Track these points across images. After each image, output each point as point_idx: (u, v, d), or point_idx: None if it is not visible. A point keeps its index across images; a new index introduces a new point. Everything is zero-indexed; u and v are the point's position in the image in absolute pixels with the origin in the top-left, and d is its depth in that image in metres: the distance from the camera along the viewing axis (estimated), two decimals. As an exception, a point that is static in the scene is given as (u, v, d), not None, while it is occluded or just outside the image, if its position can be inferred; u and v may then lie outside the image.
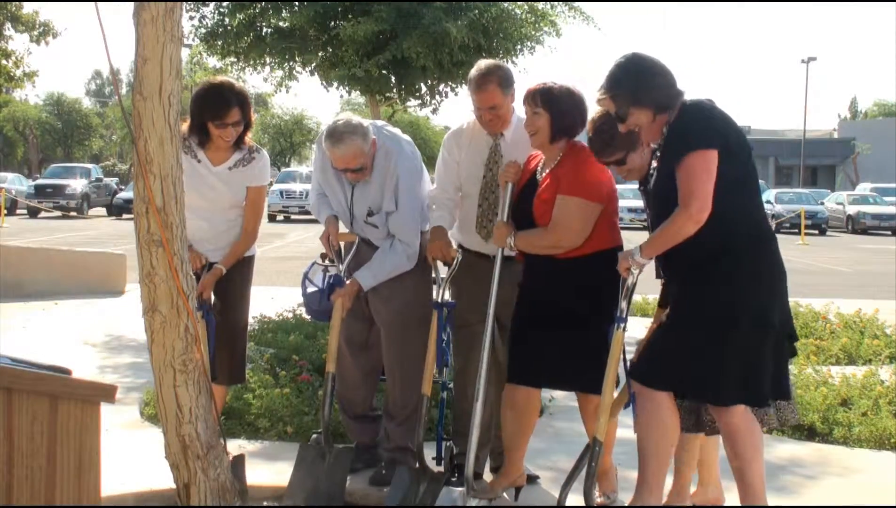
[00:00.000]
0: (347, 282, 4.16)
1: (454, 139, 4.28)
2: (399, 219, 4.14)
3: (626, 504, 3.78)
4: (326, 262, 4.29)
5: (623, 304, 3.50)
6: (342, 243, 4.32)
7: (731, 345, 3.30)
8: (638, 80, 3.38)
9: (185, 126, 4.19)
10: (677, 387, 3.43)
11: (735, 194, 3.30)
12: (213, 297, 4.29)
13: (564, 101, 3.80)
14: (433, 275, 4.20)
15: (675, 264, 3.44)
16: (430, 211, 4.26)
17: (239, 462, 3.85)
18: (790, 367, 3.75)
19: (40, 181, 31.87)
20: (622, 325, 3.50)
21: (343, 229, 4.36)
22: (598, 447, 3.51)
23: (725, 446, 3.45)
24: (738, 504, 3.50)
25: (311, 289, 4.27)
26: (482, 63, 4.15)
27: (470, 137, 4.23)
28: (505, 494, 3.98)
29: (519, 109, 4.13)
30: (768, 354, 3.35)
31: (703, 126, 3.30)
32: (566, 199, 3.71)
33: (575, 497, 3.80)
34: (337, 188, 4.27)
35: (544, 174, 3.87)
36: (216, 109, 4.12)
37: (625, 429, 3.91)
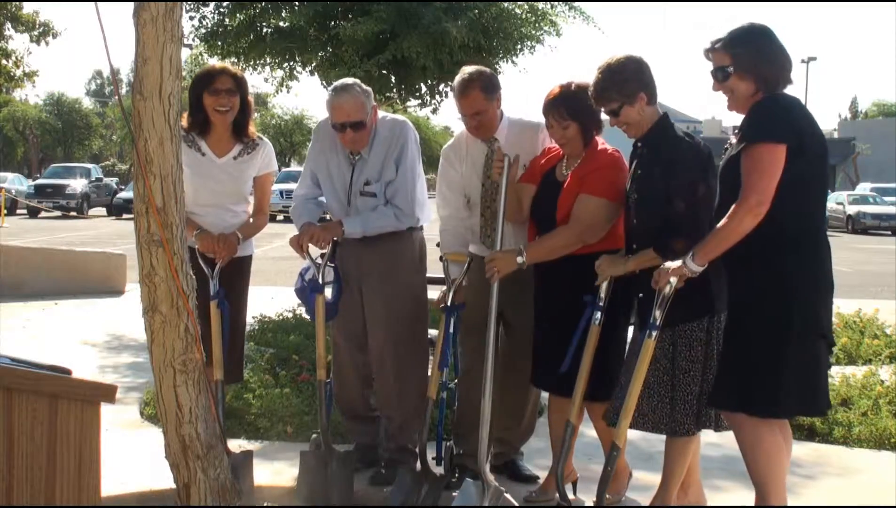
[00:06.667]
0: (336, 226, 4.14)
1: (452, 151, 4.31)
2: (396, 185, 4.15)
3: (634, 505, 3.80)
4: (324, 261, 4.29)
5: (657, 313, 3.28)
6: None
7: (787, 351, 3.08)
8: (760, 48, 3.21)
9: (185, 120, 4.19)
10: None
11: (798, 192, 3.11)
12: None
13: (587, 101, 3.65)
14: (446, 277, 4.15)
15: (725, 260, 3.19)
16: (442, 234, 4.30)
17: (246, 459, 3.89)
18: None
19: (40, 181, 31.83)
20: (654, 333, 3.30)
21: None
22: (615, 451, 3.46)
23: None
24: (722, 504, 3.48)
25: (301, 285, 4.29)
26: (466, 69, 4.13)
27: (466, 147, 4.24)
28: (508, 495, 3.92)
29: (512, 108, 4.11)
30: (824, 362, 3.15)
31: (778, 118, 3.10)
32: (590, 198, 3.68)
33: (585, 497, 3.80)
34: (334, 167, 4.25)
35: (568, 173, 3.83)
36: (208, 78, 4.18)
37: (631, 430, 3.90)
